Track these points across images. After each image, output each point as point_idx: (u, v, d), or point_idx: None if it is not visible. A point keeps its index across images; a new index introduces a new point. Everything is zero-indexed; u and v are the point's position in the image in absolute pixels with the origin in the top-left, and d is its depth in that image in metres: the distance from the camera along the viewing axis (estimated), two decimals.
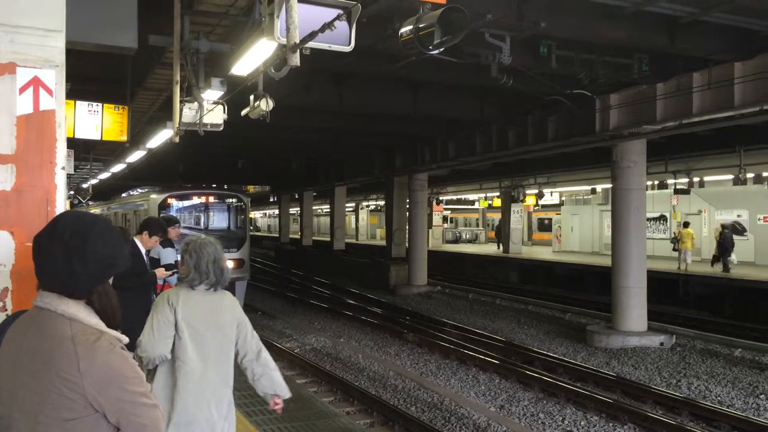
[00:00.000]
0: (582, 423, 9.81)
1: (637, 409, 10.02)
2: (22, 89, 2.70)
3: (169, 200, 17.27)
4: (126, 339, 1.88)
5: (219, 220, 18.59)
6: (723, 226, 20.93)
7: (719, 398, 10.99)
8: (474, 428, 9.48)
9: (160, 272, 6.61)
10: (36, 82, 2.72)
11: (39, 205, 2.68)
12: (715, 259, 20.86)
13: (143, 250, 6.59)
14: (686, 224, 21.77)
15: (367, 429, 8.88)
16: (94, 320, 1.84)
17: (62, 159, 2.78)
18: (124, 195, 24.04)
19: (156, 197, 17.35)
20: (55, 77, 2.76)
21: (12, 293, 2.63)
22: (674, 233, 22.88)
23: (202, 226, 17.99)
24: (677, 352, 14.34)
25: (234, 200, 18.63)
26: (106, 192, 32.33)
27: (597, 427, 9.65)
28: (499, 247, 33.61)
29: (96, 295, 1.88)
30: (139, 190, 22.19)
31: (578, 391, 10.97)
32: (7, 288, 2.62)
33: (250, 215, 19.83)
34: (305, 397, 7.19)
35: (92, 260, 1.84)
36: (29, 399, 1.78)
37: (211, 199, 18.12)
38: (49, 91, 2.73)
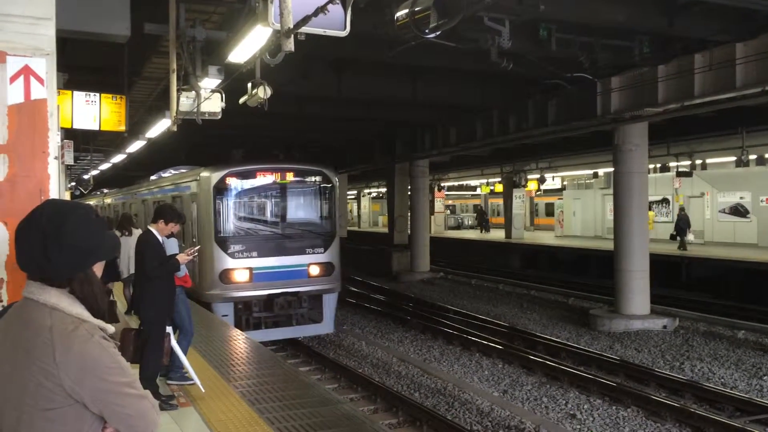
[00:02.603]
0: (585, 406, 9.83)
1: (640, 392, 10.03)
2: (13, 78, 2.67)
3: (229, 179, 12.54)
4: (111, 329, 1.86)
5: (299, 207, 13.69)
6: (681, 209, 22.69)
7: (723, 380, 10.99)
8: (477, 413, 9.50)
9: (182, 257, 6.55)
10: (27, 71, 2.69)
11: (32, 195, 2.66)
12: (672, 238, 21.86)
13: (160, 239, 6.55)
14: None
15: (370, 415, 8.91)
16: (76, 309, 1.82)
17: (55, 148, 2.75)
18: (154, 177, 18.83)
19: (210, 175, 12.61)
20: (45, 66, 2.73)
21: (7, 284, 2.62)
22: None
23: (273, 216, 13.28)
24: (680, 334, 14.33)
25: (318, 178, 13.48)
26: (110, 182, 31.83)
27: (600, 410, 9.66)
28: (481, 232, 33.82)
29: (77, 284, 1.85)
30: (172, 171, 16.99)
31: (581, 375, 10.98)
32: (2, 279, 2.61)
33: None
34: (309, 384, 7.19)
35: (68, 246, 1.82)
36: (12, 390, 1.77)
37: (289, 176, 13.10)
38: (40, 80, 2.70)
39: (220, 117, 8.32)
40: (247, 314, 12.52)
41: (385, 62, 13.55)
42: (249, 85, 7.46)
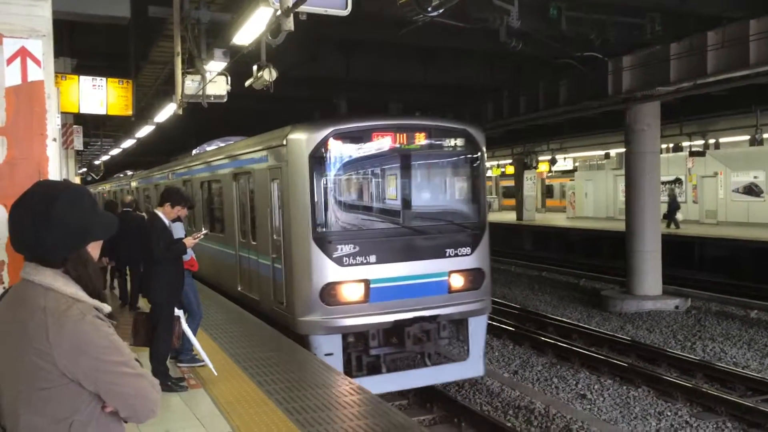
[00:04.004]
0: (596, 387, 9.82)
1: (651, 372, 10.01)
2: (10, 60, 2.66)
3: (334, 143, 8.32)
4: (108, 308, 1.86)
5: (435, 186, 9.64)
6: (670, 190, 23.48)
7: (734, 360, 10.94)
8: (488, 394, 9.51)
9: (189, 241, 6.58)
10: (23, 53, 2.67)
11: (31, 177, 2.66)
12: (665, 218, 21.83)
13: (167, 222, 6.57)
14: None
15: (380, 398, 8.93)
16: (70, 289, 1.83)
17: (54, 131, 2.74)
18: (197, 151, 14.83)
19: (305, 137, 8.38)
20: (42, 47, 2.72)
21: (8, 266, 2.63)
22: None
23: (398, 200, 9.01)
24: (692, 315, 14.26)
25: (461, 142, 9.09)
26: (129, 165, 31.36)
27: (611, 390, 9.65)
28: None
29: (71, 264, 1.86)
30: (218, 143, 13.72)
31: (592, 356, 10.97)
32: (3, 261, 2.62)
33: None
34: (317, 365, 7.22)
35: (58, 226, 1.82)
36: (10, 369, 1.79)
37: (420, 139, 8.86)
38: (37, 62, 2.68)
39: (225, 100, 8.30)
40: (361, 351, 8.55)
41: (394, 44, 13.46)
42: (254, 67, 7.43)
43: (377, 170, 9.07)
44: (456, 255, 8.73)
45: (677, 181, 25.69)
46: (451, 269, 8.67)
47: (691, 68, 12.93)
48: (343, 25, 7.44)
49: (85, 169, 25.34)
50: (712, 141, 23.85)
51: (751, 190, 22.59)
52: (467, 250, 8.86)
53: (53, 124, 2.76)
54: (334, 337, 8.21)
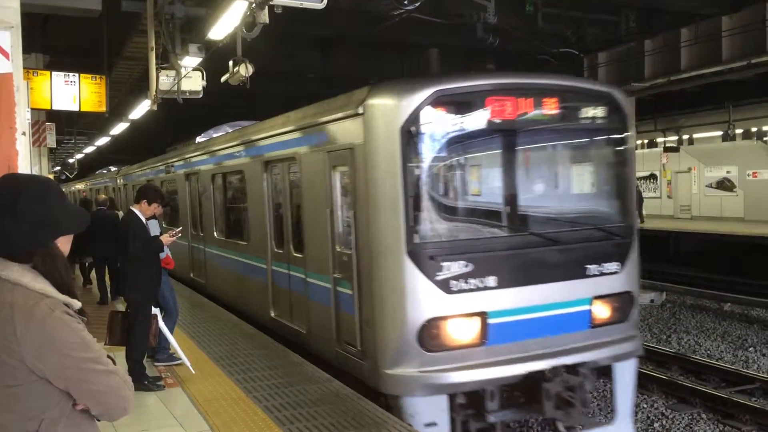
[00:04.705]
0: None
1: None
2: None
3: (437, 111, 5.70)
4: (78, 304, 1.82)
5: (569, 175, 7.07)
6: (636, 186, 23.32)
7: (709, 352, 11.10)
8: None
9: (166, 238, 6.53)
10: None
11: (0, 171, 2.60)
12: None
13: (143, 219, 6.51)
14: None
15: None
16: (39, 285, 1.78)
17: (23, 124, 2.68)
18: (202, 138, 12.74)
19: (396, 101, 5.76)
20: (10, 39, 2.65)
21: None
22: None
23: (520, 194, 6.34)
24: (667, 308, 14.45)
25: (604, 111, 6.43)
26: (97, 164, 30.92)
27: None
28: None
29: (39, 258, 1.82)
30: (227, 128, 11.88)
31: None
32: None
33: None
34: (297, 362, 7.18)
35: (25, 219, 1.78)
36: None
37: (551, 106, 6.11)
38: (5, 54, 2.62)
39: (201, 96, 8.22)
40: (475, 417, 5.92)
41: (372, 40, 13.45)
42: (230, 63, 7.37)
43: (496, 152, 6.41)
44: (601, 273, 6.21)
45: (652, 176, 26.03)
46: (596, 294, 6.20)
47: (666, 64, 13.11)
48: (319, 21, 7.40)
49: (58, 168, 24.97)
50: (686, 137, 24.22)
51: (724, 184, 22.95)
52: (615, 265, 6.29)
53: (22, 117, 2.70)
54: (438, 399, 5.65)
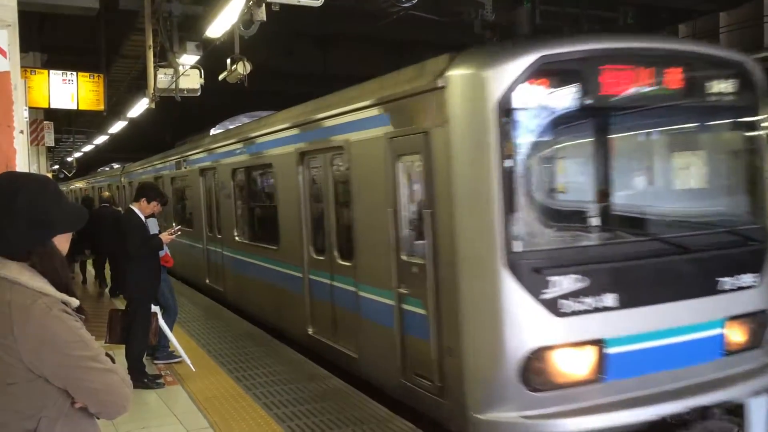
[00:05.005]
0: None
1: None
2: None
3: (540, 83, 4.41)
4: (76, 302, 1.82)
5: (695, 164, 5.71)
6: None
7: None
8: None
9: (165, 237, 6.55)
10: None
11: None
12: None
13: (142, 217, 6.53)
14: None
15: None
16: (37, 283, 1.79)
17: (21, 123, 2.69)
18: (217, 131, 12.06)
19: (489, 71, 4.46)
20: (8, 37, 2.66)
21: None
22: None
23: (643, 189, 5.47)
24: None
25: (734, 85, 5.03)
26: (94, 163, 30.91)
27: None
28: None
29: (37, 257, 1.82)
30: (245, 119, 11.31)
31: None
32: None
33: None
34: (297, 360, 7.20)
35: (21, 218, 1.78)
36: None
37: (675, 78, 4.81)
38: (3, 53, 2.63)
39: (199, 94, 8.22)
40: None
41: (371, 37, 13.45)
42: (228, 60, 7.37)
43: (612, 136, 5.22)
44: (737, 288, 4.95)
45: None
46: (730, 314, 4.96)
47: None
48: (319, 18, 7.40)
49: (57, 167, 24.96)
50: None
51: None
52: (752, 278, 5.01)
53: (20, 116, 2.71)
54: None
